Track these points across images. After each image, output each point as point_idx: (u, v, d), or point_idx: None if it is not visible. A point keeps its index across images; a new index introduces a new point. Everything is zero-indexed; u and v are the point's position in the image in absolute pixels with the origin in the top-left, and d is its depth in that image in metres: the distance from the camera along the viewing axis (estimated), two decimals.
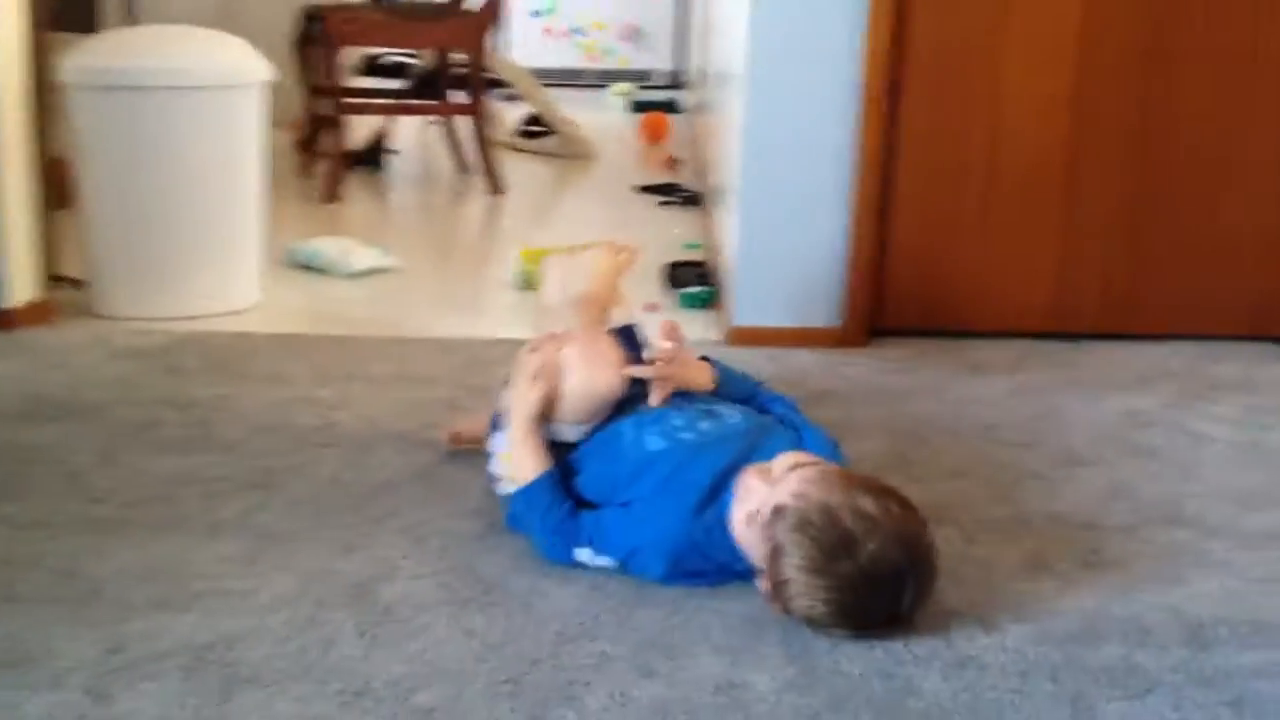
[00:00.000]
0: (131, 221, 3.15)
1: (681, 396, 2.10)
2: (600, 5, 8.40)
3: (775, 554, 1.75)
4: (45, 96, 3.13)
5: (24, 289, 3.08)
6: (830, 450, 2.03)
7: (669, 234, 4.19)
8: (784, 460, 1.87)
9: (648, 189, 4.96)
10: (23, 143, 3.05)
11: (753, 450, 1.95)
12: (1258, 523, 2.17)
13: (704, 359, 2.21)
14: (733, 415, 2.05)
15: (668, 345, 2.09)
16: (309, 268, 3.68)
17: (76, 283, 3.29)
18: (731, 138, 3.36)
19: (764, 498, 1.81)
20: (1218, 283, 3.16)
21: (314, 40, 4.79)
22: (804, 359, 2.98)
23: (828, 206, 3.05)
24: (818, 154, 3.03)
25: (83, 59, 3.14)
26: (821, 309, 3.10)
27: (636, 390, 2.11)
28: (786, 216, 3.06)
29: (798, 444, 2.00)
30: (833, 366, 2.95)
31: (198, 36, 3.29)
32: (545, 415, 2.03)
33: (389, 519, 2.10)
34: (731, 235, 3.21)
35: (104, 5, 5.17)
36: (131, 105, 3.10)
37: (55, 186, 3.21)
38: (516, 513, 2.03)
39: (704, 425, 2.01)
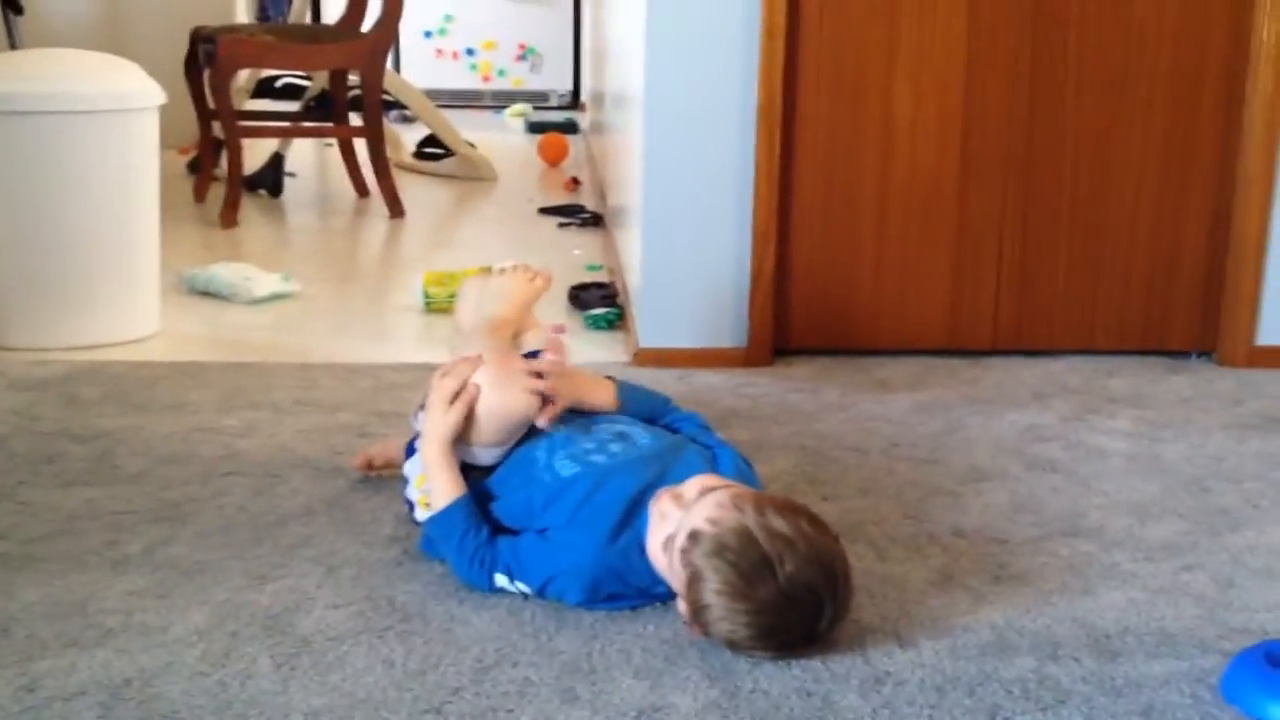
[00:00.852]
0: (25, 249, 3.09)
1: (591, 419, 2.10)
2: (493, 26, 8.39)
3: (693, 580, 1.76)
4: None
5: None
6: (743, 469, 2.04)
7: (570, 256, 4.20)
8: (695, 484, 1.88)
9: (549, 210, 4.97)
10: None
11: (665, 472, 1.96)
12: (1157, 533, 2.22)
13: (609, 379, 2.21)
14: (643, 437, 2.06)
15: (550, 357, 2.10)
16: (207, 294, 3.64)
17: None
18: (631, 159, 3.38)
19: (678, 523, 1.82)
20: (1108, 299, 3.24)
21: (205, 63, 4.73)
22: (711, 379, 3.01)
23: (729, 227, 3.08)
24: (718, 175, 3.06)
25: None
26: (726, 329, 3.13)
27: None
28: (689, 238, 3.08)
29: (711, 463, 2.02)
30: (739, 386, 2.97)
31: (89, 60, 3.24)
32: (460, 438, 2.02)
33: (301, 548, 2.08)
34: (634, 257, 3.23)
35: None
36: (23, 130, 3.04)
37: None
38: (431, 538, 2.03)
39: (615, 448, 2.02)
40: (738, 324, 3.13)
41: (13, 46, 4.94)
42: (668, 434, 2.12)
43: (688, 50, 3.01)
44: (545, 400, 2.03)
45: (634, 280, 3.26)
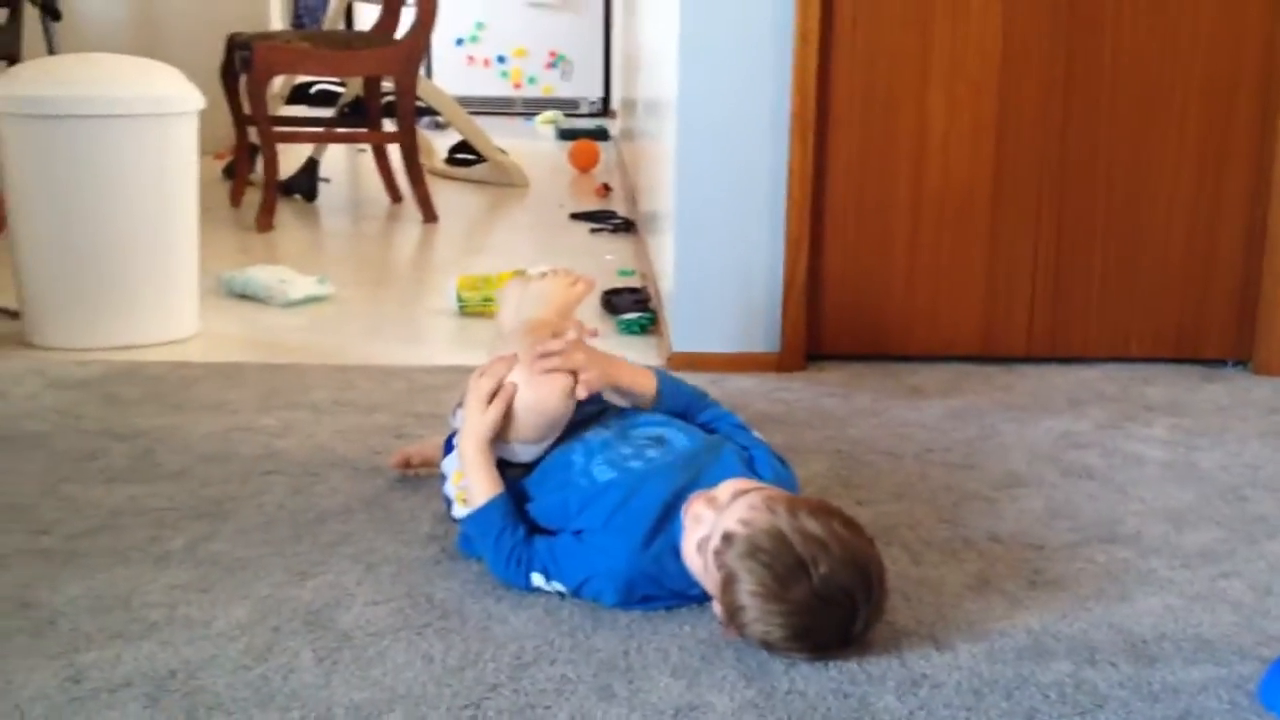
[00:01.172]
0: (66, 251, 3.12)
1: (630, 421, 2.11)
2: (524, 34, 8.43)
3: (728, 582, 1.77)
4: None
5: None
6: (779, 469, 2.05)
7: (603, 261, 4.22)
8: (728, 487, 1.88)
9: (580, 216, 4.99)
10: None
11: (700, 474, 1.96)
12: (1194, 540, 2.22)
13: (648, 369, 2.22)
14: (680, 439, 2.06)
15: (569, 335, 2.10)
16: (244, 296, 3.67)
17: (10, 313, 3.25)
18: (664, 165, 3.39)
19: (712, 526, 1.83)
20: (1143, 306, 3.23)
21: (241, 69, 4.77)
22: (744, 384, 3.02)
23: (762, 233, 3.09)
24: (750, 181, 3.07)
25: (11, 87, 3.11)
26: (759, 334, 3.14)
27: (588, 413, 2.12)
28: (722, 243, 3.09)
29: (748, 463, 2.03)
30: (772, 391, 2.98)
31: (128, 64, 3.27)
32: (499, 436, 2.03)
33: (341, 545, 2.10)
34: (667, 262, 3.24)
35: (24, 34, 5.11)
36: (64, 134, 3.07)
37: None
38: (469, 535, 2.04)
39: (651, 453, 2.03)
40: (771, 329, 3.13)
41: (50, 52, 4.98)
42: (704, 434, 2.12)
43: (720, 56, 3.02)
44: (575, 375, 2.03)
45: (666, 285, 3.27)
